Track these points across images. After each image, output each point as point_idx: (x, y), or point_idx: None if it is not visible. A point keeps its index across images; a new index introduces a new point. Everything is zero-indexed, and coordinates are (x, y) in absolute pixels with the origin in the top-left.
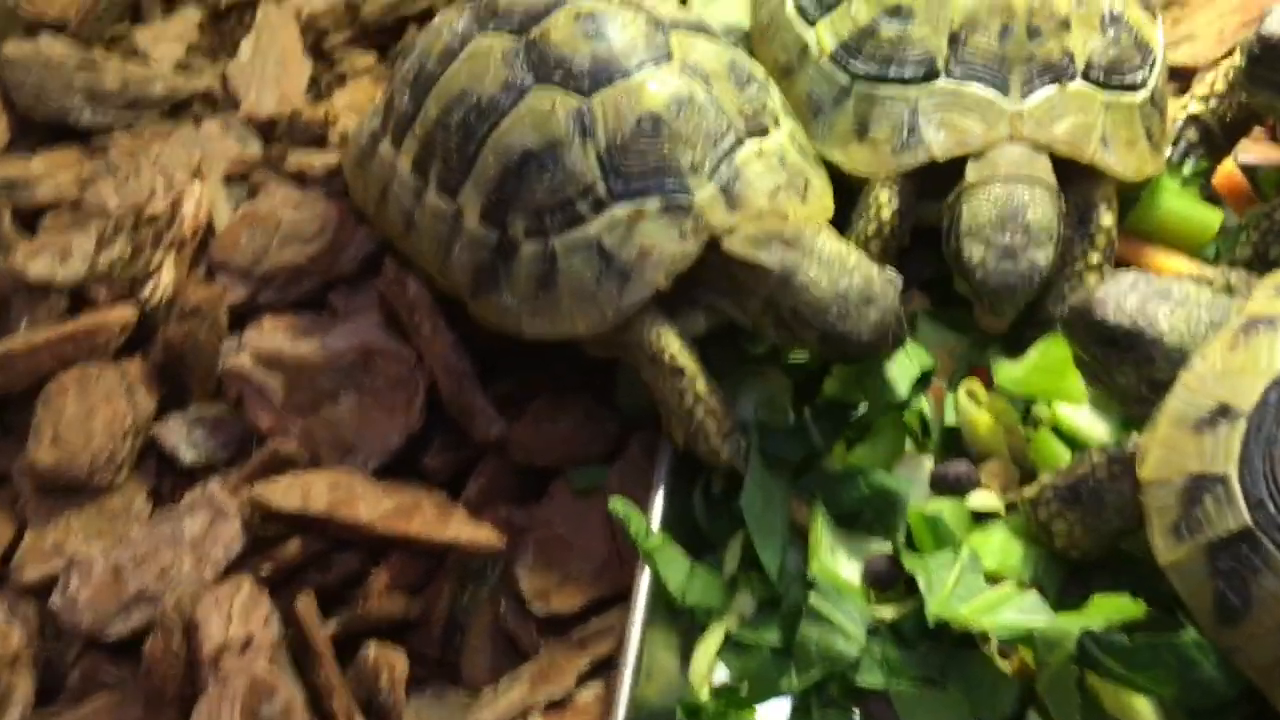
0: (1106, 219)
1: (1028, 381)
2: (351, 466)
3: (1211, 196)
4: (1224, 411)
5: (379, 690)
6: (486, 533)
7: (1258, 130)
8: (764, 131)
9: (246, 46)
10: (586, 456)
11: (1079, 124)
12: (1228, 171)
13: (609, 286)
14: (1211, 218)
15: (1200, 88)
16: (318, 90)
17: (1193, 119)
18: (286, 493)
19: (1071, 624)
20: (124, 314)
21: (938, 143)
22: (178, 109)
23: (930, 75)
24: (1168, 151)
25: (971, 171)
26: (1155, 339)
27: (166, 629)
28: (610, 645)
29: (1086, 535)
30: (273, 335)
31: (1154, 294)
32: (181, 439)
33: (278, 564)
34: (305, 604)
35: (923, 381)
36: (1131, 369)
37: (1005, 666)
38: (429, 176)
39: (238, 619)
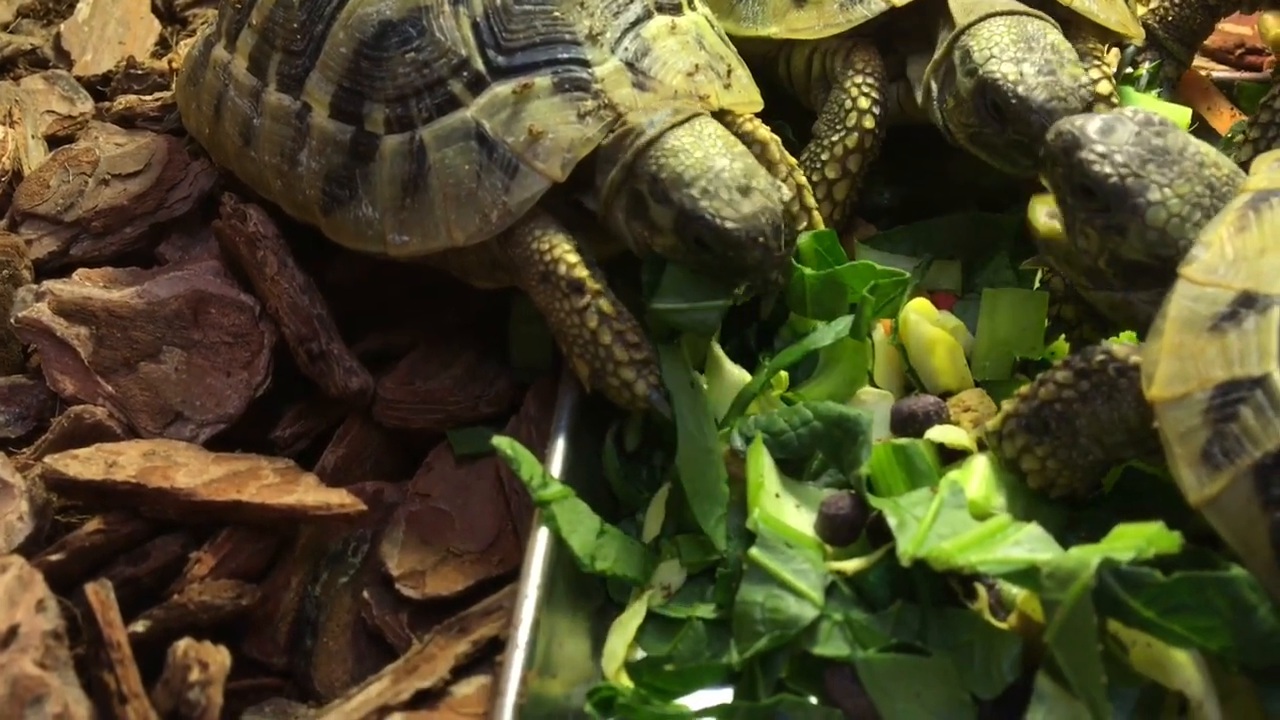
0: (1106, 67)
1: None
2: (177, 437)
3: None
4: (1248, 301)
5: (188, 692)
6: (341, 496)
7: None
8: (677, 9)
9: (84, 7)
10: (471, 417)
11: None
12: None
13: (492, 182)
14: (1181, 115)
15: None
16: (167, 50)
17: None
18: (86, 463)
19: (1089, 556)
20: None
21: None
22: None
23: None
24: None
25: (959, 11)
26: (1137, 208)
27: None
28: (497, 627)
29: (1062, 470)
30: (81, 283)
31: (1157, 152)
32: None
33: (73, 549)
34: (96, 590)
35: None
36: (1096, 234)
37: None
38: (268, 73)
39: None
